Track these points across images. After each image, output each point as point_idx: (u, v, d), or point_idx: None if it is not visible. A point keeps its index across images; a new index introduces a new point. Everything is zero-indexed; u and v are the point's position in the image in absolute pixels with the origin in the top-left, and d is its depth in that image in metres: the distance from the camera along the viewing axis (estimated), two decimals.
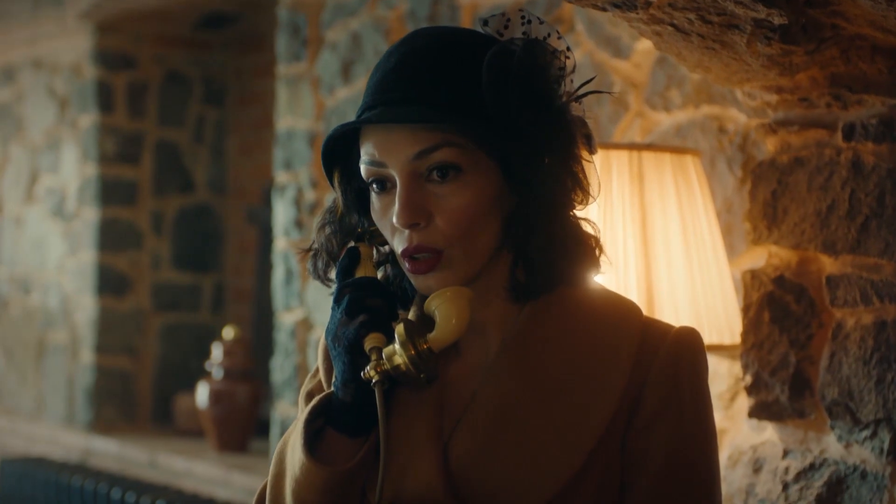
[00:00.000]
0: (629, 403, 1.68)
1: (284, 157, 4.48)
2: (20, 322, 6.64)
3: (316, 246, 1.80)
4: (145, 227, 6.14)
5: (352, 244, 1.78)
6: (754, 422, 2.64)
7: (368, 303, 1.70)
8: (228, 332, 5.41)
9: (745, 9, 2.06)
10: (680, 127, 2.97)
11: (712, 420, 1.73)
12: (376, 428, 1.67)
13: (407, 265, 1.69)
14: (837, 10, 2.10)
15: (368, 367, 1.66)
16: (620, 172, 2.46)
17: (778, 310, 2.55)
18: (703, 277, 2.47)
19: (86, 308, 6.06)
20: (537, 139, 1.66)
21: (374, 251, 1.79)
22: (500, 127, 1.65)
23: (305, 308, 4.34)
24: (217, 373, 5.35)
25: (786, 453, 2.57)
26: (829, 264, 2.49)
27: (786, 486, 2.55)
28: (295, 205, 4.40)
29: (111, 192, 6.04)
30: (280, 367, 4.44)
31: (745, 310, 2.60)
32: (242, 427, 5.33)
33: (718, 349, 2.56)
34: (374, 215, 1.72)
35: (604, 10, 2.19)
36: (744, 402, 2.67)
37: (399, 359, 1.66)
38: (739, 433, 2.70)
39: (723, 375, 2.77)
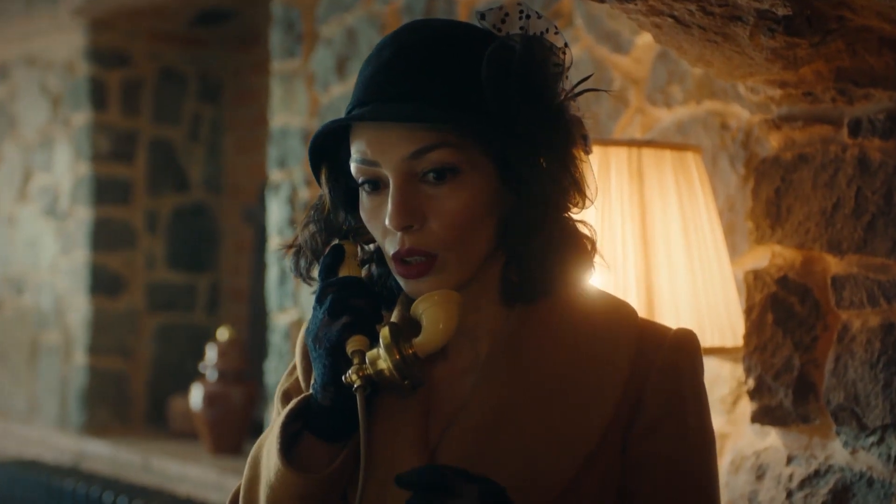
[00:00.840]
0: (628, 408, 1.65)
1: (278, 155, 4.47)
2: (13, 323, 6.65)
3: (300, 242, 1.76)
4: (140, 227, 6.16)
5: (336, 241, 1.74)
6: (757, 427, 2.63)
7: (352, 303, 1.65)
8: (223, 333, 5.41)
9: None
10: (681, 123, 2.95)
11: (711, 424, 1.71)
12: (357, 433, 1.63)
13: (398, 269, 1.65)
14: (843, 0, 2.08)
15: (350, 371, 1.61)
16: (619, 170, 2.44)
17: (782, 311, 2.53)
18: (704, 278, 2.45)
19: (79, 308, 6.07)
20: (536, 138, 1.62)
21: (359, 249, 1.75)
22: (499, 125, 1.61)
23: (300, 309, 4.32)
24: (211, 374, 5.35)
25: (790, 460, 2.55)
26: (834, 264, 2.47)
27: (790, 494, 2.53)
28: (289, 203, 4.38)
29: (105, 191, 6.06)
30: (274, 369, 4.42)
31: (748, 311, 2.58)
32: (237, 429, 5.32)
33: (720, 352, 2.54)
34: (364, 215, 1.68)
35: (602, 1, 2.18)
36: (746, 407, 2.65)
37: (383, 364, 1.61)
38: (742, 438, 2.69)
39: (725, 379, 2.76)
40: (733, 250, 2.72)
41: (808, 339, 2.50)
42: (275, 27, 4.50)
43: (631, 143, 2.50)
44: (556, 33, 1.69)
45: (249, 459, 1.73)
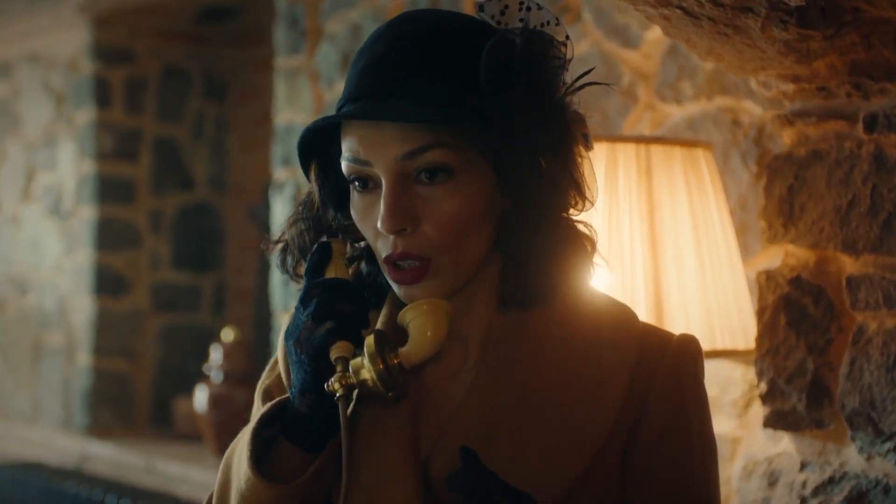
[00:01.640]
0: (629, 417, 1.62)
1: (283, 153, 4.45)
2: (16, 323, 6.67)
3: (286, 239, 1.71)
4: (144, 226, 6.16)
5: (324, 239, 1.69)
6: (770, 432, 2.61)
7: (338, 308, 1.59)
8: (228, 334, 5.42)
9: None
10: (692, 120, 2.94)
11: (713, 431, 1.70)
12: (337, 440, 1.58)
13: (391, 273, 1.60)
14: None
15: (333, 379, 1.55)
16: (627, 167, 2.41)
17: (795, 313, 2.51)
18: (714, 278, 2.43)
19: (82, 309, 6.08)
20: (535, 138, 1.58)
21: (348, 246, 1.71)
22: (497, 125, 1.57)
23: None
24: (216, 376, 5.35)
25: (803, 466, 2.53)
26: (849, 264, 2.44)
27: (803, 501, 2.51)
28: (294, 202, 4.33)
29: (109, 190, 6.06)
30: None
31: (760, 313, 2.56)
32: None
33: (732, 354, 2.54)
34: (355, 215, 1.63)
35: None
36: (758, 411, 2.63)
37: (366, 373, 1.56)
38: (754, 443, 2.67)
39: (736, 382, 2.74)
40: (745, 250, 2.70)
41: (823, 342, 2.47)
42: (279, 23, 4.48)
43: (639, 139, 2.48)
44: (556, 25, 1.64)
45: (222, 464, 1.68)
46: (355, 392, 1.56)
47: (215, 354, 5.35)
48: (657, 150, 2.44)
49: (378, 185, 1.58)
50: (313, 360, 1.57)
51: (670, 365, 1.64)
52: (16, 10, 6.38)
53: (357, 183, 1.60)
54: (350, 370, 1.55)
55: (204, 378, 5.43)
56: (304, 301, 1.60)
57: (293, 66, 4.39)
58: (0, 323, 6.81)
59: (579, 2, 3.25)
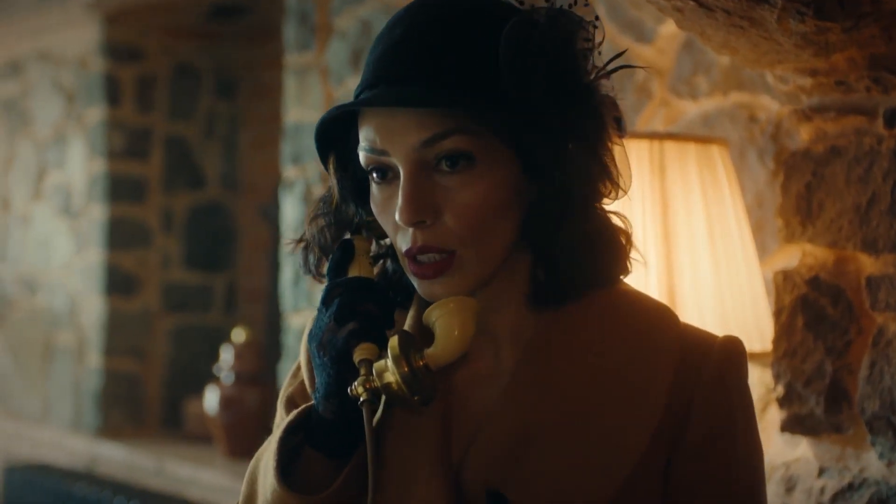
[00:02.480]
0: (672, 425, 1.56)
1: (293, 151, 4.43)
2: (26, 323, 6.67)
3: (308, 238, 1.66)
4: (154, 225, 6.15)
5: (346, 236, 1.64)
6: (787, 436, 2.58)
7: (361, 308, 1.53)
8: (239, 335, 5.40)
9: None
10: (707, 116, 2.92)
11: (759, 438, 1.65)
12: (364, 447, 1.52)
13: (411, 267, 1.55)
14: None
15: (356, 383, 1.50)
16: (640, 164, 2.39)
17: (812, 314, 2.48)
18: (730, 278, 2.40)
19: (93, 309, 6.07)
20: (561, 123, 1.52)
21: (373, 243, 1.65)
22: (520, 110, 1.50)
23: (315, 309, 4.18)
24: (227, 377, 5.34)
25: (822, 471, 2.50)
26: (869, 264, 2.41)
27: None
28: (304, 201, 4.33)
29: (119, 189, 6.06)
30: (288, 372, 4.30)
31: (777, 314, 2.53)
32: (253, 433, 5.27)
33: (748, 357, 2.42)
34: (375, 208, 1.57)
35: None
36: (775, 415, 2.59)
37: (390, 377, 1.50)
38: (771, 448, 2.63)
39: (753, 385, 2.63)
40: (762, 249, 2.68)
41: (841, 344, 2.44)
42: (288, 20, 4.46)
43: (652, 135, 2.45)
44: (585, 5, 1.58)
45: (247, 475, 1.63)
46: (382, 396, 1.51)
47: (226, 355, 5.34)
48: (671, 147, 2.41)
49: (397, 176, 1.53)
50: (336, 364, 1.52)
51: (715, 368, 1.58)
52: (25, 7, 6.39)
53: (375, 174, 1.55)
54: (374, 373, 1.50)
55: (214, 379, 5.42)
56: (325, 301, 1.55)
57: (303, 63, 4.38)
58: (10, 323, 6.82)
59: None
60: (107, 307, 5.99)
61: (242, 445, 5.25)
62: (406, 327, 1.61)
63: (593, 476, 1.52)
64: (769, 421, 2.65)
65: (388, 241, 1.64)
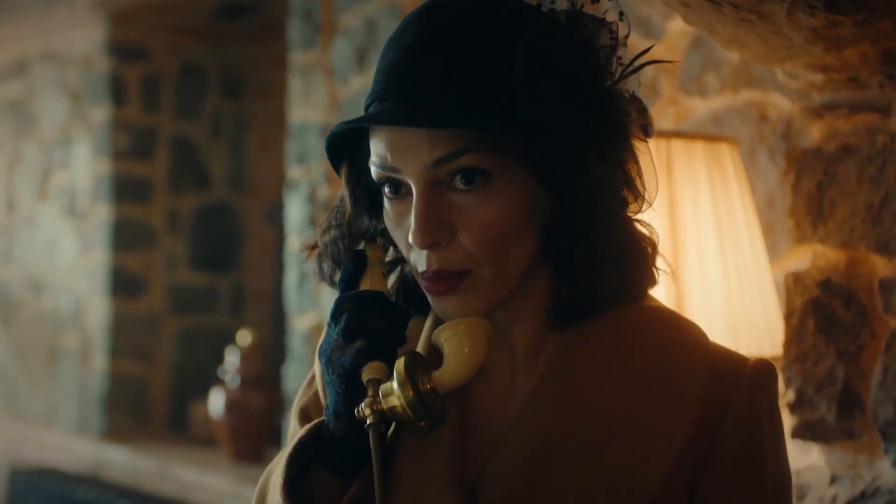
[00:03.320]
0: (698, 452, 1.49)
1: (297, 151, 4.43)
2: (31, 325, 6.69)
3: (320, 248, 1.62)
4: (160, 226, 6.16)
5: (360, 246, 1.59)
6: (798, 443, 2.54)
7: (370, 324, 1.49)
8: (244, 337, 5.39)
9: None
10: (717, 114, 2.90)
11: (789, 466, 1.58)
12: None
13: (425, 284, 1.49)
14: None
15: (363, 405, 1.45)
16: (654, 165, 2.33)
17: (824, 318, 2.46)
18: (739, 280, 2.38)
19: (98, 310, 6.08)
20: (583, 135, 1.44)
21: (389, 250, 1.60)
22: (538, 123, 1.43)
23: (320, 311, 4.27)
24: (232, 380, 5.33)
25: (833, 479, 2.48)
26: (882, 266, 2.39)
27: None
28: (309, 202, 4.33)
29: (125, 190, 6.07)
30: (294, 375, 4.38)
31: (788, 317, 2.51)
32: (258, 437, 5.30)
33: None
34: (388, 223, 1.51)
35: None
36: (786, 421, 2.55)
37: (396, 400, 1.45)
38: None
39: None
40: (773, 250, 2.66)
41: (854, 348, 2.42)
42: (293, 18, 4.46)
43: (659, 133, 2.39)
44: (594, 1, 1.50)
45: (257, 491, 1.58)
46: (387, 420, 1.47)
47: (231, 358, 5.33)
48: (678, 146, 2.38)
49: (410, 192, 1.47)
50: (344, 382, 1.48)
51: (745, 393, 1.51)
52: (30, 6, 6.40)
53: (388, 189, 1.49)
54: (380, 395, 1.45)
55: (219, 382, 5.42)
56: (334, 317, 1.50)
57: (307, 61, 4.38)
58: (16, 325, 6.84)
59: None
60: (112, 309, 6.00)
61: (248, 449, 5.26)
62: (421, 339, 1.57)
63: (614, 501, 1.46)
64: None
65: None
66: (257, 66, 6.29)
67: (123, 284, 6.03)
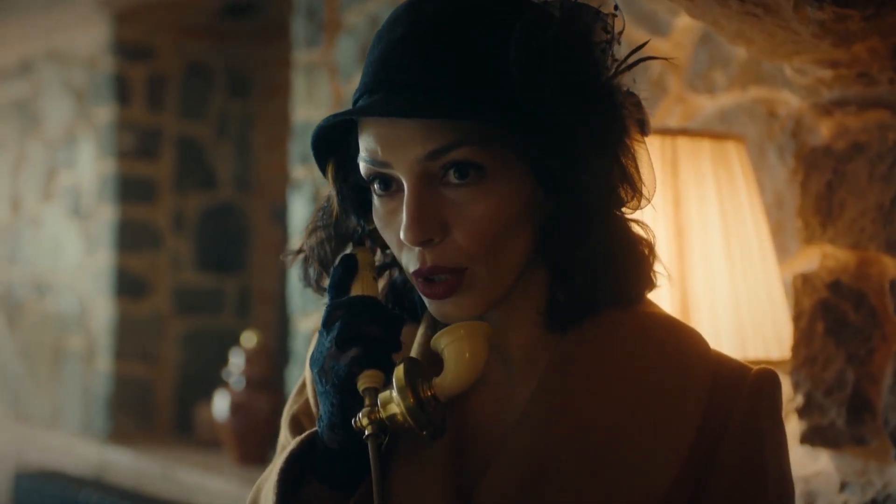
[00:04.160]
0: (700, 460, 1.46)
1: (301, 150, 4.41)
2: (36, 327, 6.69)
3: (306, 250, 1.58)
4: (165, 227, 6.16)
5: (349, 249, 1.55)
6: (807, 449, 2.55)
7: (364, 331, 1.44)
8: (249, 339, 5.37)
9: None
10: (725, 112, 2.88)
11: (791, 475, 1.55)
12: (370, 478, 1.44)
13: (421, 288, 1.45)
14: None
15: (360, 415, 1.41)
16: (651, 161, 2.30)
17: (833, 320, 2.46)
18: (746, 281, 2.35)
19: (102, 312, 6.08)
20: (579, 130, 1.41)
21: (378, 253, 1.56)
22: (533, 116, 1.40)
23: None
24: (237, 382, 5.31)
25: (843, 486, 2.49)
26: (893, 267, 2.40)
27: None
28: (313, 202, 4.32)
29: (129, 190, 6.07)
30: (298, 378, 4.29)
31: (796, 319, 2.52)
32: (263, 439, 5.27)
33: (765, 365, 2.39)
34: (378, 222, 1.47)
35: None
36: (794, 427, 2.55)
37: (395, 408, 1.41)
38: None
39: None
40: (782, 251, 2.65)
41: (864, 352, 2.42)
42: (297, 16, 4.45)
43: (665, 131, 2.40)
44: None
45: (248, 502, 1.55)
46: (386, 429, 1.43)
47: (236, 359, 5.31)
48: (684, 143, 2.36)
49: (401, 188, 1.43)
50: (339, 392, 1.44)
51: (747, 402, 1.48)
52: (35, 6, 6.40)
53: (377, 185, 1.44)
54: (379, 404, 1.41)
55: (224, 384, 5.40)
56: (326, 324, 1.46)
57: (311, 60, 4.36)
58: (21, 326, 6.85)
59: None
60: (116, 310, 6.00)
61: (252, 452, 5.24)
62: (416, 345, 1.54)
63: None
64: (788, 433, 2.56)
65: None
66: (263, 65, 6.29)
67: (128, 285, 6.02)
